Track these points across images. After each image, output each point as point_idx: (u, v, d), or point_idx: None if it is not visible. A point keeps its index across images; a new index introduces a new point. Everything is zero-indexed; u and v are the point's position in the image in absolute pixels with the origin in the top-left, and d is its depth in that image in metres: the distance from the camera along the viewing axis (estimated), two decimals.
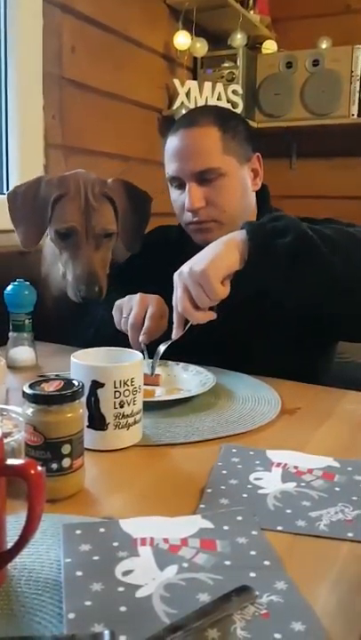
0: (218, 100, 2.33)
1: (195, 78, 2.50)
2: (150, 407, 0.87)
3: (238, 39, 2.42)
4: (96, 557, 0.51)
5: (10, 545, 0.47)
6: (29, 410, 0.62)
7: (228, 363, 1.11)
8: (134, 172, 2.15)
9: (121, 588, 0.47)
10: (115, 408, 0.74)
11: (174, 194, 1.18)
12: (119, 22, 2.03)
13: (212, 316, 0.94)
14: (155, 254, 1.30)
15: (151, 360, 0.99)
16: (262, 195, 1.23)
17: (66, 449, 0.62)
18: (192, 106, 2.25)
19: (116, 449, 0.75)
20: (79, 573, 0.49)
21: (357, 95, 2.45)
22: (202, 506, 0.61)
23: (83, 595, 0.46)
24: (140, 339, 1.02)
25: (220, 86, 2.34)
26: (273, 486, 0.66)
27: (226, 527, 0.56)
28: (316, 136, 2.71)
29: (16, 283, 1.15)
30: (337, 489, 0.65)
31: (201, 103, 2.29)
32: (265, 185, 1.24)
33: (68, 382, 0.64)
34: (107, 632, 0.41)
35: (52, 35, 1.72)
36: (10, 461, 0.47)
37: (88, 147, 1.94)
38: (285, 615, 0.44)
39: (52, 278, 1.33)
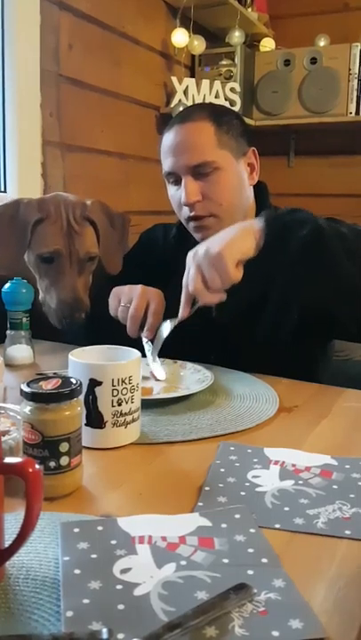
0: (216, 97, 2.33)
1: (192, 76, 2.50)
2: (148, 405, 0.87)
3: (236, 37, 2.42)
4: (94, 555, 0.51)
5: (8, 543, 0.47)
6: (27, 408, 0.61)
7: (226, 361, 1.11)
8: (132, 169, 2.15)
9: (119, 586, 0.47)
10: (112, 406, 0.74)
11: (171, 190, 1.18)
12: (117, 19, 2.02)
13: (223, 297, 0.92)
14: (153, 252, 1.30)
15: (153, 353, 1.01)
16: (260, 190, 1.23)
17: (64, 447, 0.61)
18: (190, 104, 2.25)
19: (114, 447, 0.75)
20: (77, 571, 0.49)
21: (355, 93, 2.45)
22: (200, 504, 0.61)
23: (81, 593, 0.46)
24: (145, 334, 1.03)
25: (217, 84, 2.34)
26: (271, 484, 0.66)
27: (224, 525, 0.56)
28: (314, 134, 2.71)
29: (14, 281, 1.15)
30: (335, 487, 0.65)
31: (199, 101, 2.29)
32: (263, 182, 1.24)
33: (66, 380, 0.64)
34: (105, 630, 0.41)
35: (50, 32, 1.72)
36: (8, 460, 0.47)
37: (85, 144, 1.94)
38: (283, 612, 0.45)
39: None
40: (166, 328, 1.00)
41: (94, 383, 0.73)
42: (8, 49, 1.62)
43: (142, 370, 0.82)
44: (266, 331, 1.14)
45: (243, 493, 0.64)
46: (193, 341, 1.07)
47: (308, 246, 0.90)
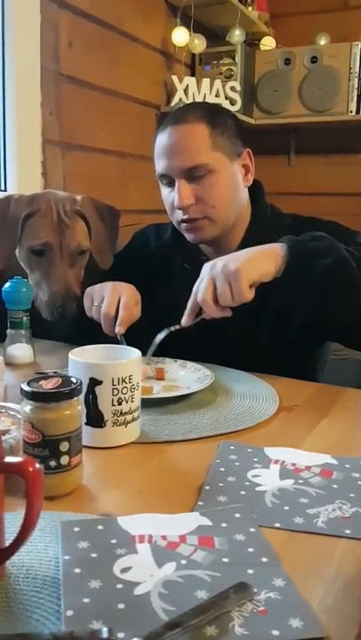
0: (216, 96, 2.33)
1: (193, 75, 2.50)
2: (148, 404, 0.87)
3: (236, 36, 2.42)
4: (94, 554, 0.51)
5: (8, 542, 0.47)
6: (27, 407, 0.61)
7: (226, 360, 1.11)
8: (132, 168, 2.15)
9: (119, 585, 0.47)
10: (113, 405, 0.74)
11: (164, 191, 1.16)
12: (117, 18, 2.02)
13: (228, 313, 0.92)
14: (146, 253, 1.29)
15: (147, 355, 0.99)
16: (256, 191, 1.22)
17: (64, 446, 0.62)
18: None
19: (114, 446, 0.75)
20: (77, 570, 0.49)
21: (356, 92, 2.45)
22: (200, 503, 0.61)
23: (81, 592, 0.46)
24: (117, 330, 1.00)
25: (218, 83, 2.34)
26: (271, 483, 0.66)
27: (224, 524, 0.56)
28: (314, 133, 2.71)
29: (14, 280, 1.15)
30: (335, 486, 0.65)
31: (199, 100, 2.29)
32: (259, 181, 1.22)
33: (66, 380, 0.64)
34: (105, 629, 0.41)
35: (50, 30, 1.72)
36: (8, 459, 0.47)
37: (85, 143, 1.94)
38: (283, 612, 0.45)
39: None
40: (163, 332, 0.98)
41: (94, 382, 0.73)
42: (8, 47, 1.62)
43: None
44: (267, 333, 1.14)
45: (243, 493, 0.64)
46: (194, 343, 1.06)
47: (330, 276, 0.90)
